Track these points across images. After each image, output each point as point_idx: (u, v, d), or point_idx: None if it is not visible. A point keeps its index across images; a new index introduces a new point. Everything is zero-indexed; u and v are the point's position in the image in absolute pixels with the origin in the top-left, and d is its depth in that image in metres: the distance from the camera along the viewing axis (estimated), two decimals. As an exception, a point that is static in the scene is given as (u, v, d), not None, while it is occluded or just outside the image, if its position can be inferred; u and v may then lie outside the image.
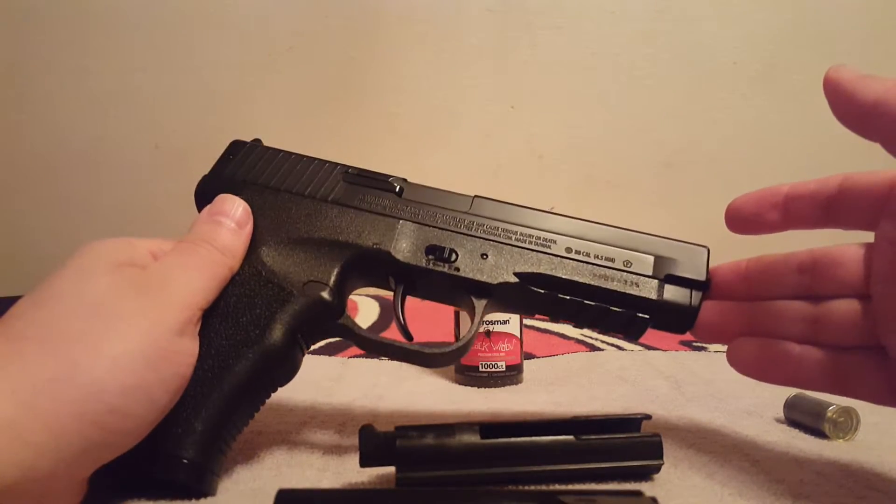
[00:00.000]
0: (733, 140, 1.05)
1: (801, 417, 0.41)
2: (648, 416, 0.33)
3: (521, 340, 0.54)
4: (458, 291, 0.37)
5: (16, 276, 0.98)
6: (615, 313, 0.36)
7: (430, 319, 0.69)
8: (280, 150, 0.39)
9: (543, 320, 0.76)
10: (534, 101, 1.04)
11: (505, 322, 0.53)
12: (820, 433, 0.39)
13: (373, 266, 0.36)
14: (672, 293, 0.36)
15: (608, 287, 0.36)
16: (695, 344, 0.67)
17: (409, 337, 0.37)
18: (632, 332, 0.36)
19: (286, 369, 0.33)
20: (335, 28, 1.02)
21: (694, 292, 0.36)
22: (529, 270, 0.36)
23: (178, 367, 0.29)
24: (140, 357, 0.27)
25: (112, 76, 1.02)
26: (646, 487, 0.31)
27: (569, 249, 0.37)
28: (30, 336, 0.26)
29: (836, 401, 0.39)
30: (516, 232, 0.37)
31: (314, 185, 0.38)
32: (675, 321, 0.36)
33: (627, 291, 0.35)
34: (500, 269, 0.36)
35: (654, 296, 0.35)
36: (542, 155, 1.04)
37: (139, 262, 0.31)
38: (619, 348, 0.67)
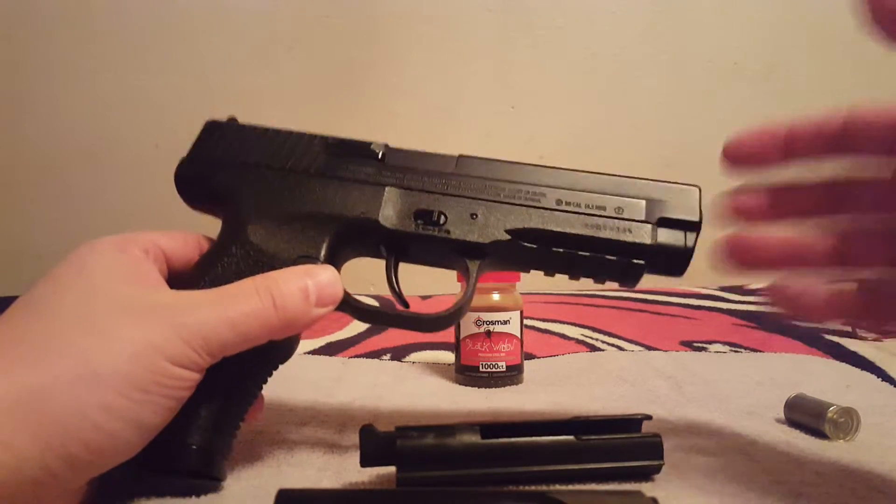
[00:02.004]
0: (733, 140, 1.05)
1: (802, 418, 0.41)
2: (649, 417, 0.33)
3: (521, 341, 0.54)
4: (451, 254, 0.36)
5: (16, 276, 0.98)
6: (610, 262, 0.35)
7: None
8: (257, 127, 0.38)
9: (544, 320, 0.76)
10: (534, 101, 1.04)
11: (505, 322, 0.53)
12: (820, 434, 0.39)
13: (362, 236, 0.36)
14: (666, 236, 0.35)
15: (601, 236, 0.35)
16: (695, 344, 0.67)
17: (405, 304, 0.37)
18: (628, 279, 0.36)
19: (284, 346, 0.32)
20: (335, 28, 1.02)
21: (688, 233, 0.35)
22: (520, 226, 0.35)
23: (171, 392, 0.27)
24: (127, 379, 0.25)
25: (112, 76, 1.02)
26: (646, 488, 0.31)
27: (559, 201, 0.36)
28: (20, 343, 0.26)
29: (836, 401, 0.39)
30: (504, 188, 0.37)
31: (295, 158, 0.37)
32: (671, 264, 0.35)
33: (621, 238, 0.35)
34: (491, 228, 0.35)
35: (648, 241, 0.35)
36: (543, 155, 1.04)
37: (144, 274, 0.30)
38: (620, 349, 0.67)
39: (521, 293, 0.56)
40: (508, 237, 0.35)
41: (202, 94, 1.02)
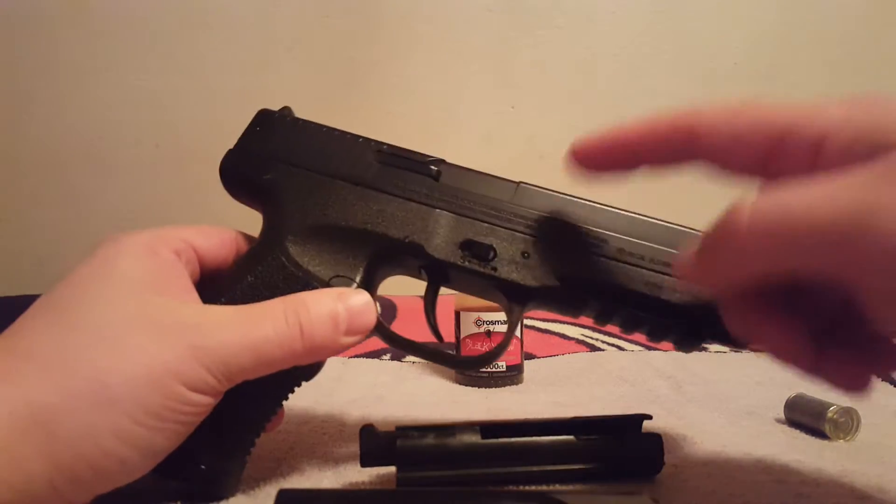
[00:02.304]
0: (733, 140, 1.05)
1: (802, 418, 0.41)
2: (649, 416, 0.33)
3: (521, 341, 0.54)
4: (495, 291, 0.34)
5: (16, 276, 0.98)
6: (667, 324, 0.32)
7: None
8: (311, 123, 0.36)
9: (544, 320, 0.76)
10: (534, 101, 1.04)
11: (506, 322, 0.53)
12: (820, 433, 0.39)
13: (404, 258, 0.34)
14: None
15: (662, 297, 0.31)
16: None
17: (439, 338, 0.35)
18: (684, 345, 0.33)
19: (308, 367, 0.31)
20: (335, 28, 1.02)
21: None
22: (575, 274, 0.32)
23: (185, 417, 0.26)
24: (141, 405, 0.25)
25: (113, 76, 1.02)
26: (646, 488, 0.31)
27: (621, 251, 0.32)
28: (35, 356, 0.25)
29: (836, 401, 0.39)
30: (562, 227, 0.33)
31: (346, 165, 0.34)
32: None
33: (681, 302, 0.31)
34: (542, 271, 0.32)
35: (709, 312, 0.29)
36: (543, 155, 1.03)
37: (172, 281, 0.29)
38: (620, 349, 0.67)
39: (521, 293, 0.56)
40: (559, 283, 0.32)
41: (202, 94, 1.02)
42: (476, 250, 0.33)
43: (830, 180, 0.21)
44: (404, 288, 0.89)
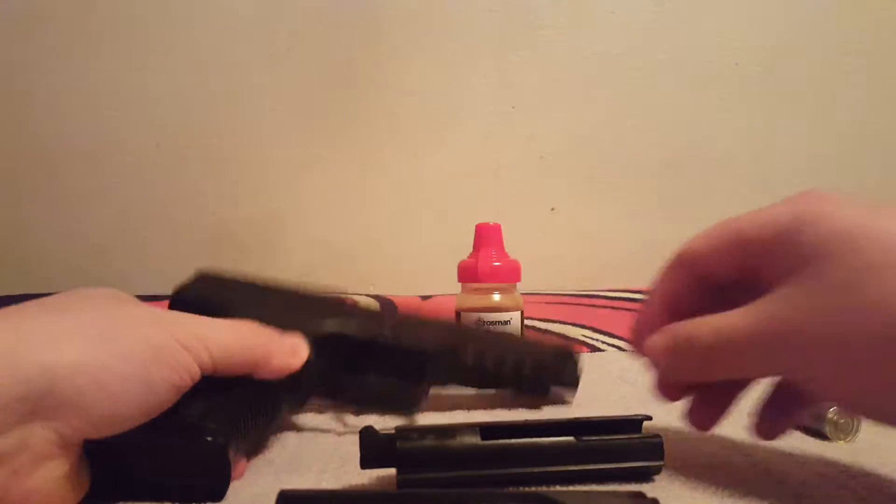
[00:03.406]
0: (734, 141, 1.05)
1: (802, 418, 0.41)
2: (649, 417, 0.33)
3: (521, 341, 0.54)
4: None
5: (16, 276, 0.98)
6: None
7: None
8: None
9: (544, 320, 0.76)
10: (534, 101, 1.04)
11: (506, 323, 0.53)
12: (821, 434, 0.39)
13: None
14: None
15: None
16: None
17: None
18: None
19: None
20: (335, 28, 1.02)
21: None
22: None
23: (174, 374, 0.29)
24: (138, 354, 0.27)
25: (113, 75, 1.02)
26: (647, 489, 0.31)
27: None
28: (33, 311, 0.28)
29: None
30: None
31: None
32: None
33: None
34: None
35: None
36: (543, 155, 1.03)
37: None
38: (620, 349, 0.67)
39: (522, 293, 0.56)
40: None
41: (203, 93, 1.02)
42: None
43: (754, 306, 0.27)
44: (404, 288, 0.90)
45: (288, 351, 0.35)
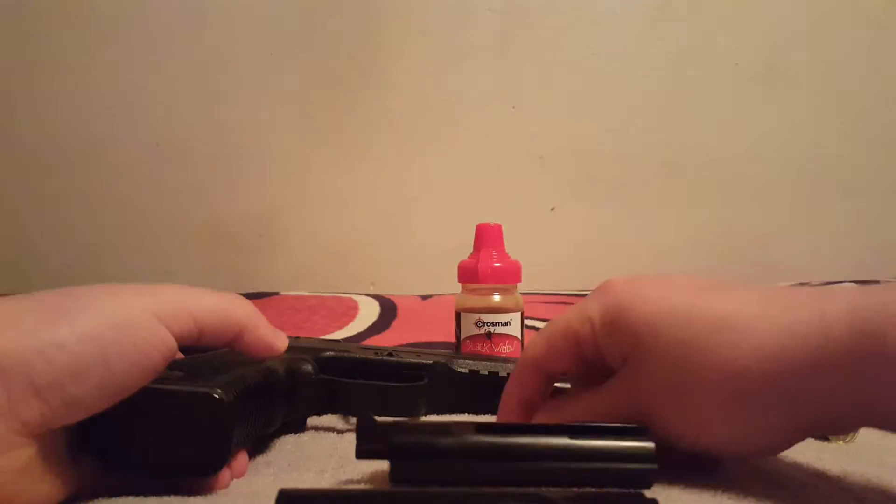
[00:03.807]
0: (734, 141, 1.05)
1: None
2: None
3: (521, 342, 0.54)
4: None
5: (16, 276, 0.98)
6: None
7: (430, 319, 0.69)
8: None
9: (544, 320, 0.76)
10: (534, 101, 1.04)
11: (506, 324, 0.53)
12: (820, 435, 0.39)
13: None
14: None
15: None
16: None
17: None
18: None
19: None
20: (336, 27, 1.02)
21: None
22: None
23: (136, 353, 0.27)
24: (95, 332, 0.26)
25: (113, 75, 1.02)
26: (646, 490, 0.31)
27: None
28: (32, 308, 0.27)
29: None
30: None
31: None
32: None
33: None
34: None
35: None
36: (543, 155, 1.04)
37: None
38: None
39: (522, 293, 0.56)
40: None
41: (202, 93, 1.02)
42: None
43: (604, 388, 0.32)
44: (404, 287, 0.90)
45: (272, 330, 0.34)
